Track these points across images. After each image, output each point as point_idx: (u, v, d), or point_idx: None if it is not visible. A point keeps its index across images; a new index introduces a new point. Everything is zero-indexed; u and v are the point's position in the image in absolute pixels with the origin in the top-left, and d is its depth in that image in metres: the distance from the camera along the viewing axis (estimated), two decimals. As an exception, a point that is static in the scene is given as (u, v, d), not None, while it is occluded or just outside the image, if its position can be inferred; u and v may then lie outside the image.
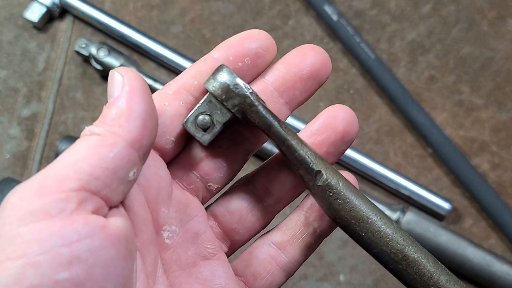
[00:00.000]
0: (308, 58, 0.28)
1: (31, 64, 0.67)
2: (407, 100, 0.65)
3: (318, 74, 0.28)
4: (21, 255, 0.19)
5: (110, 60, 0.63)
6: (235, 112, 0.26)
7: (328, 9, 0.68)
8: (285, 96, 0.28)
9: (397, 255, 0.26)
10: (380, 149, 0.65)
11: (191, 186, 0.28)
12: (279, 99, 0.28)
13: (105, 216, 0.22)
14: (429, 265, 0.26)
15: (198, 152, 0.28)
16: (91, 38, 0.68)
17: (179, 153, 0.28)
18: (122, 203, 0.24)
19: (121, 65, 0.63)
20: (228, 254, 0.30)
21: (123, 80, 0.24)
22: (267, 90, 0.28)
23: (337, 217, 0.27)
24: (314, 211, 0.29)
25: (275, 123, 0.26)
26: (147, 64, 0.67)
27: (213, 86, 0.26)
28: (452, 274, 0.27)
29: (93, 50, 0.63)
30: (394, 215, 0.59)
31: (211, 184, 0.29)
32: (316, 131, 0.28)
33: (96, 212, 0.22)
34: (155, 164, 0.27)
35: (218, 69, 0.26)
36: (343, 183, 0.27)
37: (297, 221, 0.29)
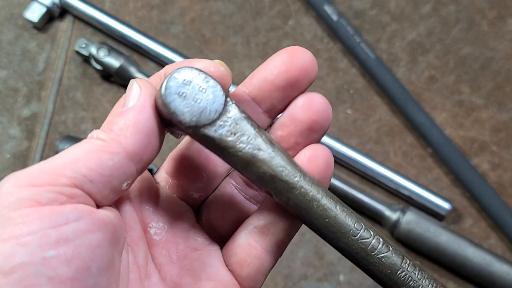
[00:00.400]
0: (284, 64, 0.26)
1: (31, 64, 0.67)
2: (407, 100, 0.65)
3: (297, 81, 0.27)
4: (11, 237, 0.20)
5: (110, 60, 0.63)
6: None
7: (328, 9, 0.68)
8: (263, 106, 0.28)
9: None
10: (380, 149, 0.65)
11: (175, 195, 0.29)
12: (257, 108, 0.28)
13: None
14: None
15: (176, 163, 0.29)
16: (91, 38, 0.68)
17: (162, 164, 0.29)
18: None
19: (120, 65, 0.63)
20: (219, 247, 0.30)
21: (140, 93, 0.25)
22: (245, 99, 0.28)
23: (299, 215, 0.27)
24: None
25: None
26: (147, 64, 0.67)
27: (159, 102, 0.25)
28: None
29: (93, 50, 0.63)
30: (394, 215, 0.59)
31: (193, 193, 0.29)
32: (284, 122, 0.28)
33: (84, 204, 0.23)
34: None
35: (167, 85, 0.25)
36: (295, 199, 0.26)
37: (275, 202, 0.29)
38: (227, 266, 0.29)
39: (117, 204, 0.26)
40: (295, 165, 0.26)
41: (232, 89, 0.27)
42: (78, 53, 0.65)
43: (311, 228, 0.27)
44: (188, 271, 0.28)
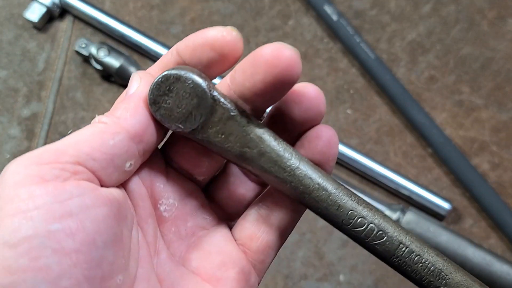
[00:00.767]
0: (261, 67, 0.24)
1: (31, 64, 0.67)
2: (407, 100, 0.65)
3: (275, 89, 0.24)
4: (17, 212, 0.21)
5: (110, 60, 0.63)
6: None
7: (328, 9, 0.68)
8: (250, 104, 0.26)
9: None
10: (380, 149, 0.65)
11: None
12: (246, 106, 0.27)
13: None
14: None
15: (179, 148, 0.29)
16: (91, 38, 0.68)
17: (164, 147, 0.30)
18: None
19: (120, 65, 0.63)
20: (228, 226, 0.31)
21: (140, 82, 0.26)
22: (233, 96, 0.26)
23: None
24: None
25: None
26: (147, 64, 0.67)
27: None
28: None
29: (93, 50, 0.63)
30: (394, 215, 0.59)
31: (196, 176, 0.29)
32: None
33: (88, 181, 0.23)
34: None
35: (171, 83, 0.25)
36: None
37: None
38: (236, 241, 0.29)
39: (126, 181, 0.26)
40: (286, 159, 0.26)
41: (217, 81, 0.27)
42: (78, 53, 0.65)
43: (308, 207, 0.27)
44: (196, 246, 0.29)
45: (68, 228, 0.22)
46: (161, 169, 0.29)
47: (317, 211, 0.27)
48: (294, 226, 0.30)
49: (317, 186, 0.26)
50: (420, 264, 0.27)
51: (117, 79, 0.65)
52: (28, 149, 0.63)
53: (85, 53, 0.64)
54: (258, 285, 0.30)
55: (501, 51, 0.69)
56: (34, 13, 0.67)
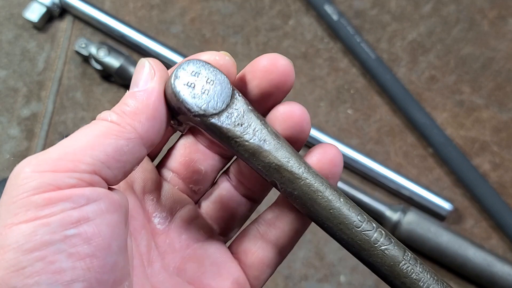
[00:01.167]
0: (254, 79, 0.26)
1: (31, 64, 0.67)
2: (407, 100, 0.65)
3: (272, 94, 0.26)
4: (33, 218, 0.21)
5: (110, 60, 0.63)
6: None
7: (328, 8, 0.68)
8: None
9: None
10: (380, 149, 0.64)
11: (176, 187, 0.30)
12: None
13: None
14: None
15: (177, 157, 0.29)
16: (91, 38, 0.68)
17: (162, 158, 0.30)
18: None
19: (120, 65, 0.63)
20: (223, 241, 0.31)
21: (154, 76, 0.25)
22: None
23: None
24: None
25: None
26: (147, 64, 0.67)
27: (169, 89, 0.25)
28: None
29: (93, 50, 0.63)
30: (395, 216, 0.58)
31: (192, 186, 0.30)
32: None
33: (102, 186, 0.23)
34: None
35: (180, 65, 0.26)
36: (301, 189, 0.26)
37: (284, 199, 0.29)
38: (233, 254, 0.29)
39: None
40: (300, 157, 0.27)
41: None
42: (78, 53, 0.65)
43: (315, 220, 0.27)
44: (191, 258, 0.29)
45: (85, 233, 0.21)
46: (156, 183, 0.29)
47: (328, 213, 0.26)
48: (294, 245, 0.29)
49: (328, 185, 0.27)
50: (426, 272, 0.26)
51: (117, 79, 0.64)
52: (28, 149, 0.63)
53: (85, 53, 0.64)
54: None
55: (501, 51, 0.69)
56: (34, 13, 0.66)
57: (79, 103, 0.65)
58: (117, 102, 0.25)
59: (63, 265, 0.21)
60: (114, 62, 0.63)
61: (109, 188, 0.24)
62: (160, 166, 0.30)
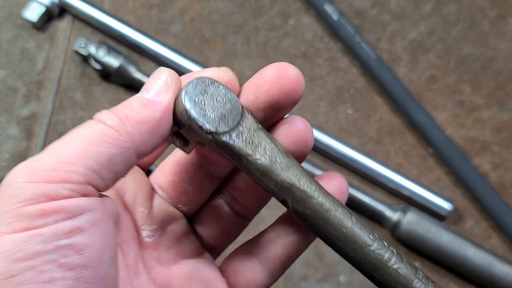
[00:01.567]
0: (264, 85, 0.26)
1: (30, 63, 0.67)
2: (408, 100, 0.65)
3: (280, 104, 0.26)
4: (25, 228, 0.21)
5: (109, 59, 0.63)
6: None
7: (328, 8, 0.68)
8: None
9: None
10: (380, 149, 0.64)
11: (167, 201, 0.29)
12: None
13: None
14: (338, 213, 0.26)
15: (166, 176, 0.29)
16: (90, 37, 0.67)
17: (154, 173, 0.29)
18: None
19: (120, 65, 0.62)
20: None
21: (170, 87, 0.24)
22: None
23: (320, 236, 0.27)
24: None
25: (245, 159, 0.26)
26: (146, 64, 0.67)
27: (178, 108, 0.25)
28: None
29: (92, 49, 0.63)
30: (395, 215, 0.58)
31: (180, 206, 0.29)
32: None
33: (95, 195, 0.23)
34: (133, 169, 0.28)
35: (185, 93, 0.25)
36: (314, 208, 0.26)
37: (282, 221, 0.29)
38: (222, 272, 0.29)
39: None
40: (310, 176, 0.26)
41: None
42: (77, 52, 0.65)
43: (326, 239, 0.26)
44: (178, 274, 0.28)
45: (78, 244, 0.21)
46: (148, 195, 0.28)
47: (341, 232, 0.26)
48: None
49: (339, 204, 0.26)
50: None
51: (117, 79, 0.64)
52: (27, 149, 0.63)
53: (84, 52, 0.64)
54: None
55: (502, 51, 0.69)
56: (33, 12, 0.66)
57: (78, 103, 0.65)
58: (117, 102, 0.24)
59: (53, 275, 0.21)
60: (113, 61, 0.63)
61: (100, 195, 0.24)
62: (152, 179, 0.29)
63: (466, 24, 0.70)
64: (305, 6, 0.70)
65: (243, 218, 0.30)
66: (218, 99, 0.25)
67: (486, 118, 0.66)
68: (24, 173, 0.22)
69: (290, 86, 0.25)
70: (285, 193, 0.26)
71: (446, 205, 0.60)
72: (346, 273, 0.59)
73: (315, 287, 0.58)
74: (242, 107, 0.26)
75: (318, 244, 0.60)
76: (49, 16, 0.68)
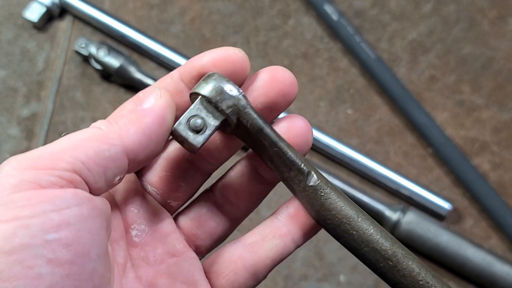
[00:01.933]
0: (263, 88, 0.27)
1: (31, 63, 0.67)
2: (407, 100, 0.65)
3: (275, 104, 0.27)
4: (13, 218, 0.21)
5: (110, 59, 0.63)
6: (229, 114, 0.26)
7: (328, 8, 0.68)
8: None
9: (387, 252, 0.26)
10: (380, 149, 0.64)
11: (155, 200, 0.30)
12: None
13: None
14: (416, 261, 0.26)
15: (158, 171, 0.29)
16: (91, 37, 0.68)
17: (141, 170, 0.29)
18: None
19: (120, 65, 0.63)
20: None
21: (159, 99, 0.25)
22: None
23: (328, 217, 0.27)
24: (290, 217, 0.29)
25: (267, 126, 0.27)
26: (146, 64, 0.67)
27: (205, 89, 0.26)
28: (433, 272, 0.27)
29: (93, 49, 0.63)
30: (394, 215, 0.58)
31: (171, 201, 0.29)
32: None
33: (83, 190, 0.23)
34: None
35: (209, 75, 0.26)
36: (330, 184, 0.27)
37: (269, 224, 0.29)
38: (206, 273, 0.29)
39: None
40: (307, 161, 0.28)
41: None
42: (77, 52, 0.65)
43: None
44: (164, 274, 0.28)
45: (65, 238, 0.21)
46: (137, 194, 0.29)
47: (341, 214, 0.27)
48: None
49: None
50: None
51: (117, 79, 0.64)
52: (28, 149, 0.63)
53: (84, 52, 0.64)
54: None
55: (502, 51, 0.69)
56: (34, 12, 0.66)
57: (79, 103, 0.65)
58: (117, 101, 0.25)
59: (41, 270, 0.20)
60: (114, 62, 0.63)
61: (91, 193, 0.24)
62: (140, 177, 0.29)
63: (466, 24, 0.70)
64: (305, 6, 0.70)
65: (231, 221, 0.30)
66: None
67: (486, 118, 0.66)
68: (12, 163, 0.22)
69: (287, 89, 0.27)
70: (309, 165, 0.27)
71: (445, 205, 0.60)
72: (346, 272, 0.59)
73: (315, 287, 0.58)
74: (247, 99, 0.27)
75: (318, 244, 0.60)
76: (50, 16, 0.68)
